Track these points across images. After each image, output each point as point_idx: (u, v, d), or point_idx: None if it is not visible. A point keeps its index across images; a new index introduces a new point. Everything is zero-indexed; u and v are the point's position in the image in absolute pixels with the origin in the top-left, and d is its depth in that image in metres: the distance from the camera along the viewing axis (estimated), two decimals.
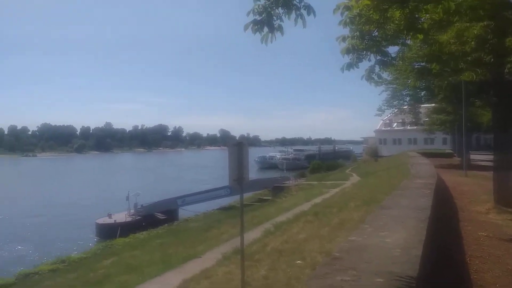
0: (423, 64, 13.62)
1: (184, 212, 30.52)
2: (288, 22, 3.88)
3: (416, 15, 5.86)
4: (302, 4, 3.87)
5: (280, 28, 3.73)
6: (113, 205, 31.56)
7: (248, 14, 3.79)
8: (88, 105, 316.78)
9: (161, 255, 13.67)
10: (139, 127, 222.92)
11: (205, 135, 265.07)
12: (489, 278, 6.01)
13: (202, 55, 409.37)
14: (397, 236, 4.05)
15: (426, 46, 10.10)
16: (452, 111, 32.27)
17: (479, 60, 9.46)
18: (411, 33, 5.90)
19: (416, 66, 15.49)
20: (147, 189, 39.68)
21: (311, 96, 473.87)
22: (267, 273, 7.34)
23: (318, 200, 18.21)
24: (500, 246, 7.95)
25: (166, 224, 26.31)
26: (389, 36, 6.02)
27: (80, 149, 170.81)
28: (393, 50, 7.35)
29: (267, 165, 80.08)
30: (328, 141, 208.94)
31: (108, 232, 25.29)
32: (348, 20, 5.31)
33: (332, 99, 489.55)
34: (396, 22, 5.69)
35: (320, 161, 64.33)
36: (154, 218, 27.94)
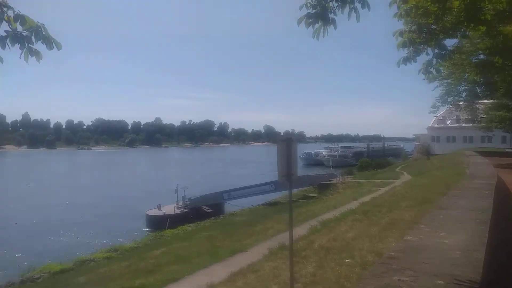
0: (484, 57, 12.82)
1: (230, 206, 30.99)
2: (340, 16, 3.80)
3: (478, 5, 5.52)
4: None
5: (333, 22, 3.65)
6: (161, 197, 32.69)
7: (300, 8, 3.75)
8: (139, 101, 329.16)
9: (208, 247, 13.96)
10: (187, 123, 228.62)
11: (249, 131, 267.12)
12: None
13: (248, 51, 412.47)
14: (456, 237, 3.86)
15: (487, 39, 9.49)
16: None
17: None
18: (472, 25, 5.56)
19: (474, 60, 14.63)
20: (194, 182, 40.66)
21: (359, 92, 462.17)
22: (314, 270, 7.27)
23: (366, 198, 17.77)
24: None
25: (212, 217, 26.89)
26: (447, 29, 5.73)
27: (131, 143, 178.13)
28: (449, 43, 6.99)
29: (313, 161, 79.21)
30: (377, 138, 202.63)
31: (157, 223, 26.25)
32: (404, 12, 5.11)
33: (382, 95, 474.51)
34: (456, 13, 5.40)
35: (369, 158, 62.66)
36: (201, 211, 28.62)
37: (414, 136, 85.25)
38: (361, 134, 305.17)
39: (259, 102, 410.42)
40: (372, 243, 8.06)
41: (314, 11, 3.64)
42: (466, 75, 18.35)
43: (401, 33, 5.10)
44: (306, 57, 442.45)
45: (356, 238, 8.96)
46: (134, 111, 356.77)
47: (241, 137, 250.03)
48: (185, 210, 28.40)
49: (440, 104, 31.18)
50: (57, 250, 21.66)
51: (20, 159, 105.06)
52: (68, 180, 56.31)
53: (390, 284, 2.56)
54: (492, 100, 34.69)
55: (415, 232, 4.06)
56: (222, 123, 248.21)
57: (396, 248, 3.47)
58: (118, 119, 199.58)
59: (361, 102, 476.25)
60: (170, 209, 28.16)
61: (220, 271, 9.64)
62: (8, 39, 2.79)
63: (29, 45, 2.84)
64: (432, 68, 5.76)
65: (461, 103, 33.01)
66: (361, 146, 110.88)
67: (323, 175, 39.23)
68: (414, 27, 5.15)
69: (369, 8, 3.97)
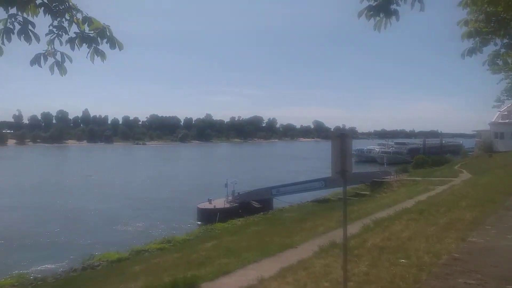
0: None
1: (278, 202, 31.04)
2: (403, 6, 3.63)
3: None
4: None
5: (395, 13, 3.50)
6: (212, 191, 33.42)
7: (361, 0, 3.63)
8: (191, 98, 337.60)
9: (257, 242, 14.05)
10: (236, 119, 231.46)
11: (298, 126, 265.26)
12: None
13: (298, 46, 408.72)
14: None
15: None
16: None
17: None
18: None
19: None
20: (243, 177, 41.15)
21: (415, 85, 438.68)
22: (368, 269, 7.09)
23: (422, 197, 17.06)
24: None
25: (261, 213, 27.06)
26: None
27: (183, 139, 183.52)
28: None
29: (365, 158, 77.01)
30: (433, 134, 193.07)
31: (208, 216, 26.88)
32: (469, 1, 4.79)
33: (439, 89, 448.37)
34: None
35: (425, 155, 59.93)
36: (250, 206, 28.90)
37: (474, 132, 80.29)
38: (416, 129, 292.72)
39: (308, 97, 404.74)
40: (429, 243, 7.73)
41: (375, 3, 3.51)
42: None
43: (466, 23, 4.80)
44: (357, 50, 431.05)
45: (411, 238, 8.63)
46: (186, 107, 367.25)
47: (289, 132, 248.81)
48: (234, 205, 28.82)
49: (505, 97, 29.17)
50: (115, 239, 22.84)
51: (81, 153, 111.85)
52: (126, 173, 59.22)
53: (456, 287, 2.44)
54: None
55: (480, 234, 3.83)
56: (271, 118, 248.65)
57: (459, 249, 3.30)
58: (171, 116, 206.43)
59: (417, 96, 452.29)
60: (220, 203, 28.70)
61: (269, 266, 9.68)
62: (76, 40, 2.97)
63: (95, 45, 3.00)
64: (499, 59, 5.37)
65: None
66: (416, 142, 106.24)
67: (376, 172, 38.11)
68: (481, 16, 4.81)
69: None
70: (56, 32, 2.94)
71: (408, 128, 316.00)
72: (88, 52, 3.02)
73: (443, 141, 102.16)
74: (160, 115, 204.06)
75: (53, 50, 3.00)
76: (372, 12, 3.49)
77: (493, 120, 65.84)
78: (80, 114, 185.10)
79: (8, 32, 2.75)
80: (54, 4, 2.80)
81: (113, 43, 3.02)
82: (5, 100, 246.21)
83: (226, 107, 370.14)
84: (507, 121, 63.68)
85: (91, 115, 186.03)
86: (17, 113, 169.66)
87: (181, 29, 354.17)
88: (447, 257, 3.14)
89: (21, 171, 61.86)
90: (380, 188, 30.49)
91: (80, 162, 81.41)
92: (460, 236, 6.57)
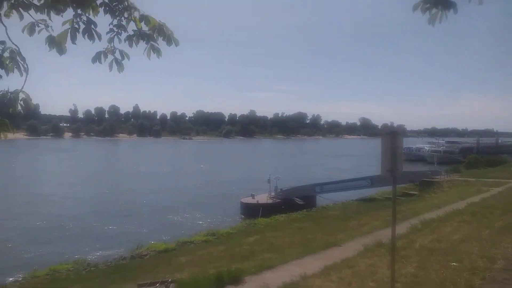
0: None
1: (322, 200, 30.71)
2: None
3: None
4: None
5: (453, 6, 3.35)
6: (254, 186, 33.69)
7: None
8: (235, 94, 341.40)
9: (300, 239, 14.03)
10: (280, 115, 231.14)
11: (344, 123, 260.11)
12: None
13: (344, 41, 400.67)
14: None
15: None
16: None
17: None
18: None
19: None
20: (286, 173, 41.10)
21: (468, 80, 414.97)
22: (416, 271, 6.90)
23: (475, 199, 16.25)
24: None
25: (304, 210, 26.90)
26: None
27: (227, 134, 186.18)
28: None
29: (413, 157, 74.14)
30: (488, 133, 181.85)
31: (251, 211, 27.14)
32: None
33: (495, 85, 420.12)
34: None
35: (479, 155, 56.88)
36: (293, 203, 28.81)
37: None
38: (470, 128, 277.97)
39: (354, 93, 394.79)
40: (483, 247, 7.37)
41: None
42: None
43: None
44: (407, 45, 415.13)
45: (463, 241, 8.27)
46: (231, 103, 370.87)
47: (334, 129, 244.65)
48: (277, 200, 28.86)
49: None
50: (162, 229, 23.70)
51: (132, 146, 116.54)
52: (174, 166, 61.11)
53: None
54: None
55: None
56: (315, 115, 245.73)
57: None
58: (216, 111, 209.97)
59: (470, 93, 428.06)
60: (263, 198, 28.86)
61: (313, 263, 9.64)
62: (134, 38, 3.11)
63: (152, 42, 3.13)
64: None
65: None
66: (469, 141, 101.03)
67: (425, 171, 36.64)
68: None
69: None
70: (116, 30, 3.10)
71: (460, 126, 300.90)
72: (145, 49, 3.16)
73: (499, 141, 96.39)
74: (205, 111, 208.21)
75: (112, 47, 3.17)
76: (428, 5, 3.36)
77: None
78: (130, 109, 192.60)
79: (74, 31, 2.93)
80: (114, 4, 2.95)
81: (170, 40, 3.13)
82: (62, 96, 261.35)
83: (270, 104, 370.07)
84: None
85: (141, 110, 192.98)
86: (73, 108, 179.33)
87: (227, 26, 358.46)
88: (504, 262, 2.96)
89: (79, 163, 65.73)
90: (430, 188, 29.37)
91: (132, 155, 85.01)
92: None
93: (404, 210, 17.09)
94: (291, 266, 10.09)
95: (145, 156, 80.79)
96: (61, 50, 2.99)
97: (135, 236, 21.96)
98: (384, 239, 9.55)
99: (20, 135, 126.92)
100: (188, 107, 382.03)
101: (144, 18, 3.08)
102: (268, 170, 41.41)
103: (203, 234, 20.11)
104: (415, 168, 45.19)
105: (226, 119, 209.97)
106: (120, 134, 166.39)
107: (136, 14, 3.07)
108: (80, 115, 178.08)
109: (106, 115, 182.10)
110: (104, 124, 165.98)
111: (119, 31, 3.10)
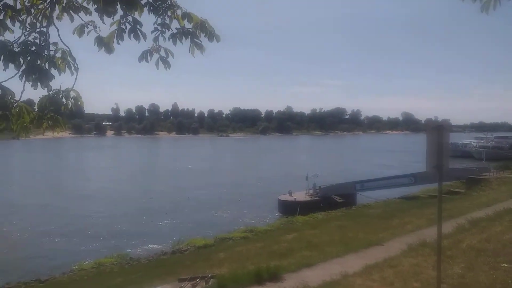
0: None
1: (362, 198, 30.12)
2: None
3: None
4: None
5: None
6: (292, 183, 33.58)
7: None
8: (272, 90, 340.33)
9: (340, 237, 13.83)
10: (317, 110, 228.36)
11: (385, 118, 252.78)
12: None
13: (384, 33, 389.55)
14: None
15: None
16: None
17: None
18: None
19: None
20: (324, 171, 40.64)
21: None
22: (463, 271, 6.62)
23: None
24: None
25: (343, 208, 26.51)
26: None
27: (264, 131, 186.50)
28: None
29: (459, 153, 70.87)
30: None
31: (288, 208, 27.07)
32: None
33: None
34: None
35: None
36: (332, 200, 28.45)
37: None
38: None
39: (396, 87, 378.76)
40: None
41: None
42: None
43: None
44: (450, 36, 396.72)
45: None
46: (267, 100, 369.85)
47: (375, 125, 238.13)
48: (315, 198, 28.60)
49: None
50: (202, 225, 24.20)
51: (171, 143, 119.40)
52: (212, 163, 62.09)
53: None
54: None
55: None
56: (355, 110, 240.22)
57: None
58: (252, 108, 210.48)
59: None
60: (301, 195, 28.69)
61: (354, 262, 9.48)
62: (178, 35, 3.17)
63: (195, 39, 3.17)
64: None
65: None
66: None
67: (473, 168, 35.01)
68: None
69: None
70: (160, 29, 3.17)
71: (511, 120, 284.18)
72: (189, 47, 3.20)
73: None
74: (242, 108, 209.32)
75: (157, 46, 3.24)
76: None
77: None
78: (169, 107, 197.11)
79: (120, 32, 3.03)
80: (158, 3, 3.01)
81: (212, 36, 3.17)
82: (105, 95, 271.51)
83: (307, 99, 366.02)
84: None
85: (180, 108, 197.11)
86: (114, 107, 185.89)
87: (264, 22, 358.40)
88: None
89: (124, 160, 68.53)
90: (477, 185, 28.12)
91: (172, 152, 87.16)
92: None
93: (449, 209, 16.43)
94: (331, 264, 9.96)
95: (184, 153, 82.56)
96: (109, 50, 3.10)
97: (176, 231, 22.55)
98: (429, 239, 9.23)
99: (65, 134, 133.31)
100: (225, 104, 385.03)
101: (187, 15, 3.12)
102: (305, 167, 41.13)
103: (241, 230, 20.31)
104: (462, 164, 43.30)
105: (263, 115, 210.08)
106: (160, 132, 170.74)
107: (179, 12, 3.12)
108: (122, 113, 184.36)
109: (146, 113, 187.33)
110: (144, 122, 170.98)
111: (163, 29, 3.16)
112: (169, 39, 3.17)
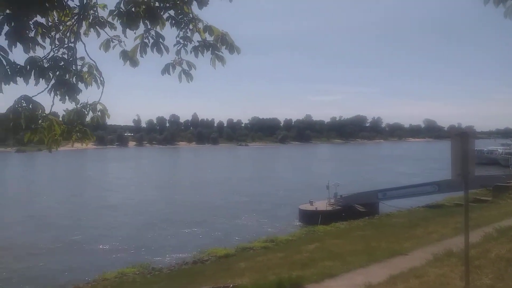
0: None
1: (385, 207, 29.59)
2: None
3: None
4: None
5: None
6: (312, 192, 33.31)
7: None
8: (291, 98, 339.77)
9: (363, 247, 13.58)
10: (337, 119, 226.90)
11: (407, 125, 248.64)
12: None
13: (405, 39, 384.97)
14: None
15: None
16: None
17: None
18: None
19: None
20: (345, 179, 40.20)
21: None
22: (492, 282, 6.41)
23: None
24: None
25: (366, 217, 26.08)
26: None
27: (283, 140, 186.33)
28: None
29: (485, 160, 68.93)
30: None
31: (309, 218, 26.83)
32: None
33: None
34: None
35: None
36: (354, 210, 28.03)
37: None
38: None
39: (418, 93, 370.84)
40: None
41: None
42: None
43: None
44: (473, 39, 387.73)
45: None
46: (286, 108, 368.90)
47: (396, 132, 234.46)
48: (337, 207, 28.26)
49: None
50: (223, 234, 24.33)
51: (192, 153, 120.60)
52: (232, 172, 62.37)
53: None
54: None
55: None
56: (375, 118, 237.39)
57: None
58: (271, 117, 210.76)
59: None
60: (322, 205, 28.42)
61: (377, 272, 9.31)
62: (199, 48, 3.24)
63: (216, 52, 3.24)
64: None
65: None
66: None
67: (499, 176, 33.93)
68: None
69: None
70: (182, 42, 3.25)
71: None
72: (210, 59, 3.27)
73: None
74: (261, 117, 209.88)
75: (179, 59, 3.32)
76: None
77: None
78: (189, 118, 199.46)
79: (144, 46, 3.13)
80: (180, 17, 3.09)
81: (232, 48, 3.23)
82: (126, 106, 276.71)
83: (327, 107, 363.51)
84: None
85: (199, 119, 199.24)
86: (136, 118, 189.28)
87: (281, 30, 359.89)
88: None
89: (146, 170, 69.70)
90: (504, 193, 27.20)
91: (193, 162, 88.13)
92: None
93: (476, 217, 15.95)
94: (354, 274, 9.80)
95: (205, 163, 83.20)
96: (134, 63, 3.20)
97: (197, 241, 22.70)
98: (455, 248, 8.99)
99: (89, 145, 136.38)
100: (244, 114, 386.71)
101: (208, 28, 3.20)
102: (326, 175, 40.79)
103: (262, 240, 20.21)
104: (488, 172, 42.12)
105: (281, 124, 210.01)
106: (180, 142, 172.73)
107: (200, 25, 3.20)
108: (143, 124, 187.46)
109: (167, 124, 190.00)
110: (165, 133, 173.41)
111: (186, 42, 3.24)
112: (191, 52, 3.25)
